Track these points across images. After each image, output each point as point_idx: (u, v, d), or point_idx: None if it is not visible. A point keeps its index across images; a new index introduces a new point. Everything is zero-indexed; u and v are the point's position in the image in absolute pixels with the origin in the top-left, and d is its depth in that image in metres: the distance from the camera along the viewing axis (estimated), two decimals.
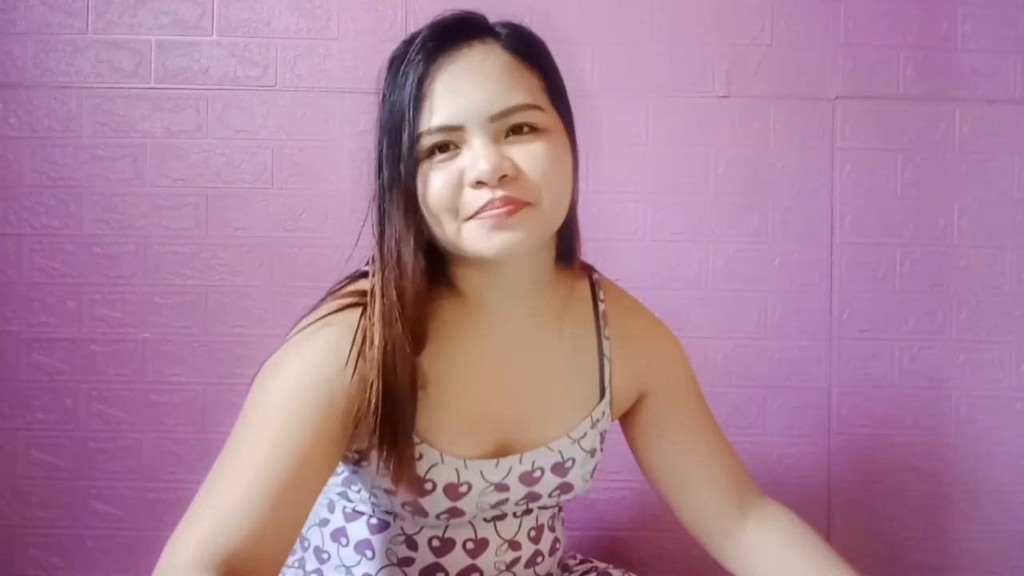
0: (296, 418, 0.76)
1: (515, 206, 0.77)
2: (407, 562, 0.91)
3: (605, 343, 0.94)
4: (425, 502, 0.85)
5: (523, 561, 0.94)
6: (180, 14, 1.50)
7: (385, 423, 0.79)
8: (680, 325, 1.53)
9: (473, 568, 0.91)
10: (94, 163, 1.49)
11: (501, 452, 0.88)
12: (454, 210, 0.78)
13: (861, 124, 1.52)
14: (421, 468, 0.83)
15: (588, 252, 1.01)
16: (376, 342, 0.78)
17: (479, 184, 0.77)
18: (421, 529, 0.90)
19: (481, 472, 0.86)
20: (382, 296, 0.79)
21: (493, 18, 0.86)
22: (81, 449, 1.49)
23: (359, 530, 0.93)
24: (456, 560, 0.91)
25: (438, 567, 0.91)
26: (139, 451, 1.49)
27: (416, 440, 0.83)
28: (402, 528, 0.91)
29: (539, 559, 0.96)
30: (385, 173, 0.81)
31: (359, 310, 0.81)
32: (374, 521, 0.92)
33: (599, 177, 1.50)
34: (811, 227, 1.52)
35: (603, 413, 0.94)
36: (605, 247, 1.55)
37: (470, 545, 0.90)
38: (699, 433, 1.00)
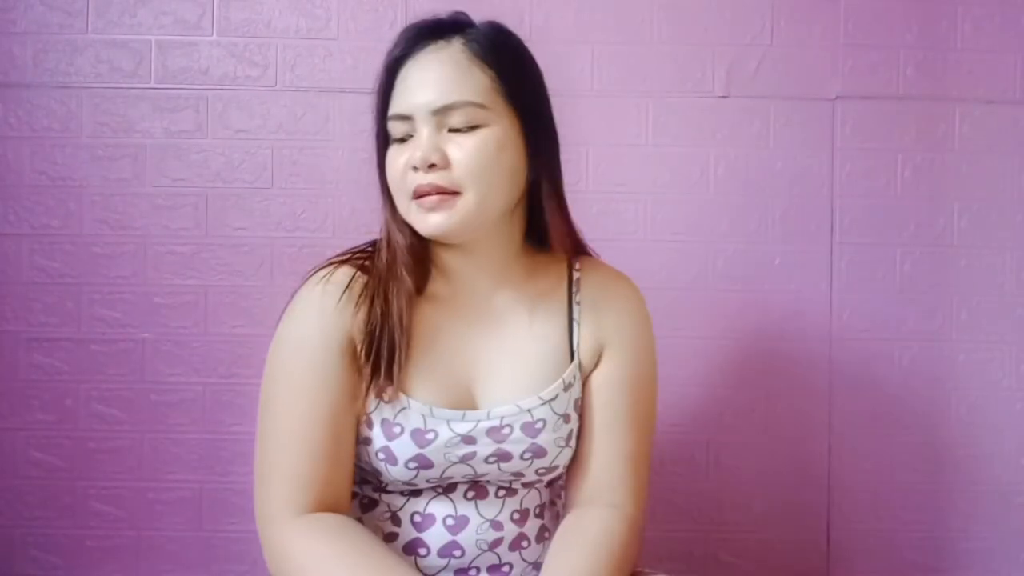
0: (311, 371, 0.90)
1: (443, 195, 0.88)
2: (392, 538, 0.95)
3: (575, 308, 1.00)
4: (394, 446, 0.91)
5: (507, 543, 0.97)
6: (180, 14, 1.50)
7: (382, 335, 0.91)
8: (680, 325, 1.54)
9: (454, 545, 0.95)
10: (94, 163, 1.49)
11: (468, 406, 0.95)
12: (402, 188, 0.91)
13: (861, 124, 1.52)
14: (391, 411, 0.91)
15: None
16: (381, 281, 0.92)
17: (414, 169, 0.89)
18: (405, 503, 0.95)
19: (448, 422, 0.92)
20: (387, 245, 0.94)
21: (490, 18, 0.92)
22: (81, 449, 1.49)
23: (352, 509, 0.97)
24: (437, 536, 0.94)
25: (420, 542, 0.95)
26: (139, 451, 1.49)
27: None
28: (388, 505, 0.96)
29: (524, 543, 0.98)
30: (377, 154, 0.95)
31: (346, 266, 0.94)
32: (365, 500, 0.98)
33: (599, 177, 1.51)
34: (811, 227, 1.52)
35: (574, 377, 0.98)
36: (605, 247, 1.55)
37: (450, 521, 0.94)
38: (617, 413, 0.98)
